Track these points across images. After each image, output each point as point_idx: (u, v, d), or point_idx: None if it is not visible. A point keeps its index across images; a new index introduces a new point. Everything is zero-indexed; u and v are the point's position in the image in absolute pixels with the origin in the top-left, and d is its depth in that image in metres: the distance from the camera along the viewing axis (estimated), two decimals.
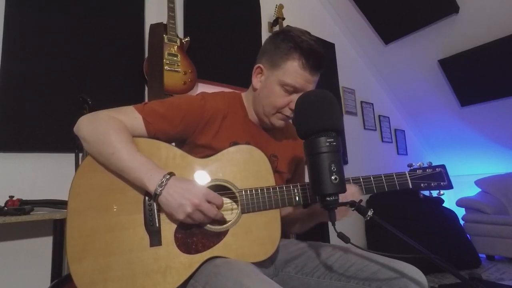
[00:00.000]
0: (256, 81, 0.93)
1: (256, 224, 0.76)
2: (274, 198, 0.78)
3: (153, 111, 0.81)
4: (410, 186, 0.87)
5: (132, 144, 0.73)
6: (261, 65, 0.92)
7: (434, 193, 0.88)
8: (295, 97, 0.86)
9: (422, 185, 0.87)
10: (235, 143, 0.86)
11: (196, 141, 0.87)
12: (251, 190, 0.77)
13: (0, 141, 1.42)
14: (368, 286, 0.74)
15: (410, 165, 0.90)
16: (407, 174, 0.87)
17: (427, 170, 0.88)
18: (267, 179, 0.80)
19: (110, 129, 0.72)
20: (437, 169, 0.88)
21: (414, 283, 0.71)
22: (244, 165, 0.79)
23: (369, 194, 2.93)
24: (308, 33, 0.88)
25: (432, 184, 0.87)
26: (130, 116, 0.78)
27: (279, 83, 0.86)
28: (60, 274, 1.25)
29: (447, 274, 2.47)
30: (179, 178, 0.72)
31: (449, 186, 0.87)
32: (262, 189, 0.78)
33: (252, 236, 0.75)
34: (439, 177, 0.88)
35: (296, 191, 0.80)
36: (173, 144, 0.87)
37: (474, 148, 3.68)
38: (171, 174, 0.70)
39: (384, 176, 0.85)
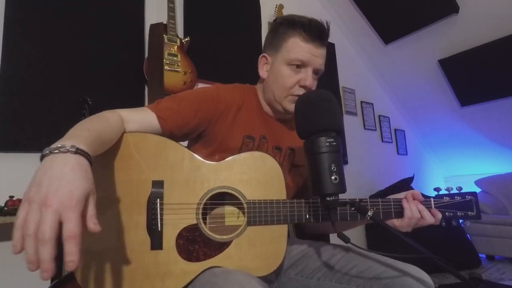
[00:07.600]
0: (263, 71, 0.91)
1: (262, 237, 0.73)
2: (283, 213, 0.74)
3: (166, 108, 0.79)
4: None
5: (92, 121, 0.64)
6: (265, 54, 0.91)
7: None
8: (303, 74, 0.84)
9: (447, 214, 0.78)
10: (249, 137, 0.86)
11: (210, 134, 0.85)
12: (259, 202, 0.74)
13: (0, 141, 1.42)
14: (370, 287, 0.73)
15: (437, 189, 0.80)
16: (432, 201, 0.78)
17: (456, 197, 0.78)
18: (278, 190, 0.76)
19: (95, 115, 0.68)
20: (467, 196, 0.79)
21: (420, 283, 0.69)
22: (255, 173, 0.76)
23: (370, 195, 2.94)
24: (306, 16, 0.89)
25: (458, 213, 0.77)
26: (143, 116, 0.77)
27: (285, 62, 0.85)
28: (60, 274, 1.25)
29: (447, 274, 2.47)
30: (80, 161, 0.49)
31: (478, 217, 0.77)
32: (271, 202, 0.74)
33: (255, 249, 0.72)
34: (468, 206, 0.78)
35: (307, 207, 0.76)
36: (183, 143, 0.84)
37: (474, 148, 3.68)
38: (79, 150, 0.49)
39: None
